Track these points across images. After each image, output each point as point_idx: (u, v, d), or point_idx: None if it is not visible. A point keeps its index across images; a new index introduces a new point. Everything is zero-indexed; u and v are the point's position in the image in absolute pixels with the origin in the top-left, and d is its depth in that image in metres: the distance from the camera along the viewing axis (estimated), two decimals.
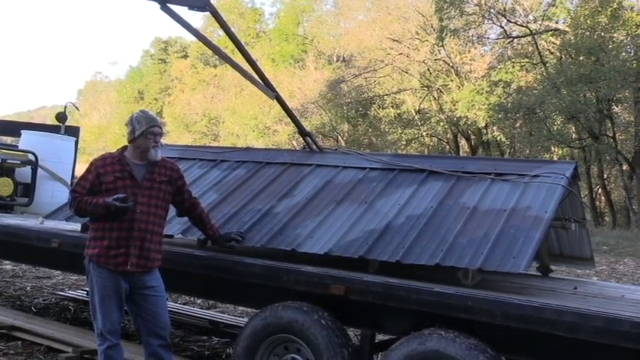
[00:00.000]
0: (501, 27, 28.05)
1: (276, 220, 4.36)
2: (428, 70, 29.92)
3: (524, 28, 27.02)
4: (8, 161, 6.91)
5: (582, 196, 5.22)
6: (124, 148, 3.91)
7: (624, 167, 25.25)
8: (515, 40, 27.91)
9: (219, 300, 6.35)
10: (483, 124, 27.55)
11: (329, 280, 3.65)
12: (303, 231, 4.16)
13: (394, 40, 30.38)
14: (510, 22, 27.51)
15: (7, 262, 8.67)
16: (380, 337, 4.08)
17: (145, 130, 3.76)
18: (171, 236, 4.78)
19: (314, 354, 3.63)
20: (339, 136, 33.61)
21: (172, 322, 6.15)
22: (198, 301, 7.40)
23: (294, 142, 29.82)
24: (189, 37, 53.32)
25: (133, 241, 3.66)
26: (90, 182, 3.75)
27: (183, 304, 7.16)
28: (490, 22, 28.21)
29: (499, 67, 27.49)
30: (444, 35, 27.57)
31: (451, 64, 29.08)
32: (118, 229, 3.65)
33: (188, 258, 4.23)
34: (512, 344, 3.32)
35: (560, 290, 4.07)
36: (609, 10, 23.90)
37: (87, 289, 7.48)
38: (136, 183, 3.75)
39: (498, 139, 29.00)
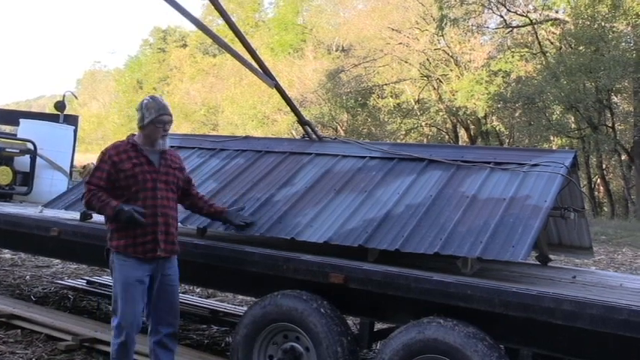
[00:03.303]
0: (501, 16, 27.99)
1: (275, 209, 4.35)
2: (427, 59, 29.85)
3: (524, 18, 26.95)
4: (7, 150, 6.90)
5: (581, 186, 5.22)
6: (132, 135, 3.89)
7: (623, 157, 25.29)
8: (515, 29, 27.84)
9: (219, 289, 6.37)
10: (482, 114, 27.55)
11: (328, 268, 3.66)
12: (302, 219, 4.16)
13: (394, 30, 30.29)
14: (510, 11, 27.44)
15: (7, 250, 8.68)
16: (379, 325, 4.08)
17: (154, 118, 3.75)
18: None
19: (313, 342, 3.64)
20: (338, 126, 33.57)
21: None
22: (197, 290, 7.42)
23: (294, 132, 29.78)
24: (189, 26, 53.16)
25: (159, 227, 3.67)
26: (107, 172, 3.70)
27: (183, 292, 7.16)
28: (490, 11, 28.14)
29: (499, 56, 27.45)
30: (443, 25, 27.48)
31: (451, 54, 29.02)
32: (144, 216, 3.63)
33: (187, 247, 4.23)
34: (510, 332, 3.33)
35: (558, 279, 4.08)
36: None
37: (87, 277, 7.53)
38: (155, 168, 3.77)
39: (497, 128, 29.00)
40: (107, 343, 4.75)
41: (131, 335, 3.64)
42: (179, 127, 41.72)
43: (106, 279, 7.37)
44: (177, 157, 4.05)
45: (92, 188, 3.69)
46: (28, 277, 7.77)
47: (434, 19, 28.68)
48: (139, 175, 3.69)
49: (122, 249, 3.64)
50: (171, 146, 5.55)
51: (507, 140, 29.12)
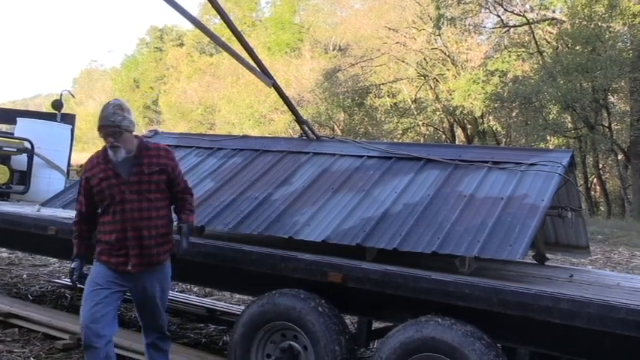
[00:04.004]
0: (498, 16, 28.01)
1: (273, 208, 4.36)
2: (424, 59, 29.84)
3: (521, 17, 26.98)
4: (4, 149, 6.88)
5: (578, 185, 5.23)
6: None
7: (619, 157, 25.33)
8: (512, 29, 27.85)
9: (216, 287, 6.37)
10: (479, 114, 27.55)
11: (327, 267, 3.66)
12: (300, 219, 4.16)
13: (391, 29, 30.27)
14: (507, 11, 27.46)
15: (4, 249, 8.66)
16: (376, 324, 4.09)
17: (98, 128, 3.54)
18: None
19: (311, 341, 3.64)
20: (335, 125, 33.54)
21: (169, 310, 6.20)
22: (195, 289, 7.41)
23: (291, 131, 29.75)
24: (186, 25, 53.13)
25: (130, 242, 3.48)
26: (84, 193, 3.62)
27: (180, 291, 7.17)
28: (487, 10, 28.16)
29: (495, 56, 27.46)
30: (440, 24, 27.51)
31: (448, 53, 29.01)
32: (115, 231, 3.51)
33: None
34: (508, 331, 3.33)
35: (556, 278, 4.09)
36: None
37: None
38: (122, 179, 3.52)
39: (494, 128, 29.02)
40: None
41: (89, 338, 3.40)
42: (176, 125, 41.72)
43: None
44: (163, 157, 3.67)
45: (75, 220, 3.69)
46: (25, 275, 7.75)
47: (431, 19, 28.69)
48: (106, 190, 3.51)
49: (97, 255, 3.58)
50: (168, 145, 5.59)
51: (504, 140, 29.15)
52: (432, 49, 29.53)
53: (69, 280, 3.68)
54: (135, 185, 3.52)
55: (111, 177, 3.52)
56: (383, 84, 31.23)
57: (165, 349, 3.79)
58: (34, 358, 4.57)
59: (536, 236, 3.79)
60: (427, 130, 32.05)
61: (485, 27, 29.62)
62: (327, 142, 5.23)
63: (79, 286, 3.69)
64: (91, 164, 3.62)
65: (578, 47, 23.86)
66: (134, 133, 3.63)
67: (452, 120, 30.46)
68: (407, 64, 30.19)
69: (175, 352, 4.60)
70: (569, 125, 25.40)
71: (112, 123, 3.47)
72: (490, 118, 28.56)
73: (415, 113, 30.88)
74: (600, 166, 26.48)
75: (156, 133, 6.09)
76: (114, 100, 3.63)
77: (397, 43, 30.05)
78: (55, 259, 8.38)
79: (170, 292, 6.87)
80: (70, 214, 5.14)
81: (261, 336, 3.85)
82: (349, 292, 3.66)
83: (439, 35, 28.58)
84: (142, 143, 3.64)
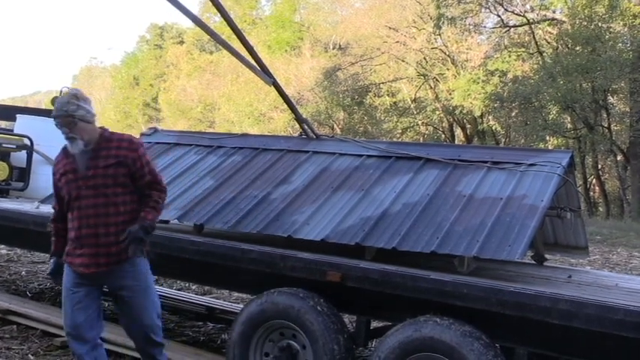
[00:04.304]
0: (498, 16, 28.00)
1: (272, 207, 4.36)
2: (424, 58, 29.82)
3: (521, 17, 26.96)
4: (3, 145, 6.87)
5: (577, 185, 5.24)
6: None
7: (619, 158, 25.33)
8: (512, 29, 27.84)
9: (215, 286, 6.37)
10: (479, 114, 27.54)
11: (326, 266, 3.66)
12: (299, 217, 4.16)
13: (391, 28, 30.24)
14: (507, 10, 27.44)
15: (2, 246, 8.66)
16: (375, 323, 4.09)
17: (52, 118, 3.36)
18: (167, 222, 4.78)
19: (309, 340, 3.65)
20: (335, 124, 33.51)
21: (168, 308, 6.19)
22: (194, 287, 7.41)
23: (290, 129, 29.74)
24: (186, 23, 52.99)
25: (85, 240, 3.31)
26: (55, 191, 3.50)
27: (179, 289, 7.17)
28: (487, 10, 28.14)
29: (495, 56, 27.45)
30: (441, 23, 27.49)
31: (448, 53, 28.99)
32: (73, 229, 3.37)
33: (184, 244, 4.23)
34: (506, 331, 3.34)
35: (554, 279, 4.09)
36: (607, 0, 23.86)
37: None
38: (78, 175, 3.34)
39: (494, 128, 29.01)
40: (103, 340, 4.75)
41: (73, 346, 3.38)
42: (176, 123, 41.68)
43: None
44: (124, 148, 3.40)
45: (52, 218, 3.60)
46: (23, 272, 7.75)
47: (431, 18, 28.66)
48: (65, 186, 3.37)
49: (64, 256, 3.45)
50: (168, 143, 5.58)
51: (503, 140, 29.14)
52: (432, 48, 29.51)
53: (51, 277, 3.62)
54: (91, 180, 3.32)
55: (69, 172, 3.38)
56: (383, 83, 31.22)
57: (153, 353, 3.55)
58: (32, 354, 4.57)
59: (535, 236, 3.79)
60: (426, 129, 32.05)
61: (485, 27, 29.63)
62: (326, 141, 5.22)
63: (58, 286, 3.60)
64: (58, 158, 3.49)
65: (578, 48, 23.86)
66: (96, 125, 3.43)
67: (451, 119, 30.45)
68: (407, 63, 30.17)
69: (174, 350, 4.60)
70: (569, 126, 25.39)
71: (65, 113, 3.28)
72: (489, 117, 28.55)
73: (415, 112, 30.87)
74: (599, 166, 26.49)
75: (155, 130, 6.08)
76: (70, 89, 3.45)
77: (397, 42, 30.02)
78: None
79: (168, 289, 6.94)
80: None
81: (260, 334, 3.85)
82: (348, 291, 3.66)
83: (439, 35, 28.57)
84: (103, 134, 3.43)
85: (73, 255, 3.38)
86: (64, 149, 3.44)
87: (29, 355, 4.55)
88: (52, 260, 3.58)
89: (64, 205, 3.45)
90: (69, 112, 3.28)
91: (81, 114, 3.30)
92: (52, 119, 3.35)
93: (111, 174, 3.34)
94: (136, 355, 4.54)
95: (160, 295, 6.51)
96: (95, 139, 3.38)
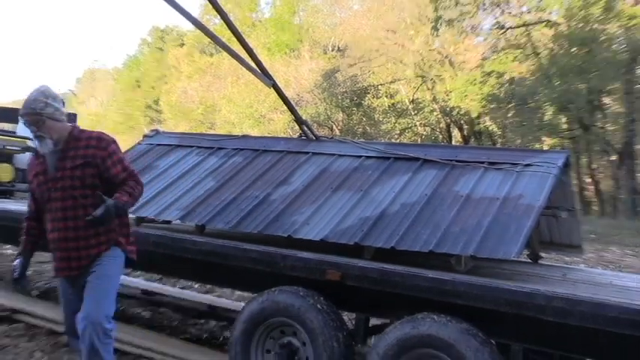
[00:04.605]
0: (495, 18, 27.99)
1: (272, 207, 4.37)
2: (422, 60, 29.78)
3: (517, 19, 26.96)
4: (7, 147, 6.90)
5: (572, 185, 5.25)
6: None
7: (613, 158, 25.34)
8: (509, 31, 27.83)
9: (217, 285, 6.37)
10: (476, 114, 27.56)
11: (325, 265, 3.68)
12: (299, 218, 4.18)
13: (389, 30, 30.23)
14: (505, 12, 27.45)
15: (9, 246, 8.64)
16: (374, 321, 4.11)
17: (20, 116, 3.21)
18: (169, 222, 4.80)
19: (309, 337, 3.66)
20: (334, 125, 33.47)
21: (171, 306, 6.21)
22: (196, 286, 7.42)
23: (290, 131, 29.72)
24: (187, 26, 52.96)
25: (57, 244, 3.22)
26: (31, 191, 3.37)
27: (182, 288, 7.17)
28: (484, 12, 28.13)
29: (492, 57, 27.41)
30: (438, 25, 27.45)
31: (445, 55, 28.97)
32: (48, 232, 3.27)
33: (186, 244, 4.25)
34: (502, 328, 3.36)
35: (549, 277, 4.11)
36: (603, 1, 23.85)
37: None
38: (47, 176, 3.20)
39: (490, 128, 29.03)
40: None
41: (70, 341, 3.42)
42: (177, 125, 41.63)
43: None
44: (92, 147, 3.21)
45: (25, 217, 3.46)
46: (30, 272, 7.73)
47: (429, 20, 28.62)
48: (37, 189, 3.25)
49: None
50: (169, 145, 5.59)
51: (500, 140, 29.14)
52: (430, 50, 29.48)
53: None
54: (59, 182, 3.17)
55: (40, 173, 3.23)
56: (381, 84, 31.22)
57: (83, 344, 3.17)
58: (40, 351, 4.58)
59: (531, 235, 3.81)
60: (424, 130, 32.03)
61: (482, 28, 29.58)
62: (325, 142, 5.24)
63: (17, 287, 3.44)
64: (33, 160, 3.34)
65: (573, 49, 23.85)
66: (66, 124, 3.26)
67: (449, 120, 30.44)
68: (405, 65, 30.14)
69: (177, 347, 4.63)
70: (564, 126, 25.41)
71: (33, 110, 3.13)
72: (486, 118, 28.54)
73: (412, 113, 30.86)
74: (594, 166, 26.50)
75: (157, 132, 6.10)
76: (41, 87, 3.25)
77: (395, 44, 30.01)
78: None
79: (171, 288, 6.94)
80: None
81: (261, 332, 3.87)
82: (347, 289, 3.68)
83: (437, 37, 28.54)
84: (72, 133, 3.25)
85: (53, 258, 3.29)
86: (36, 149, 3.30)
87: (36, 352, 4.56)
88: (17, 261, 3.40)
89: (38, 205, 3.34)
90: (36, 110, 3.13)
91: (49, 112, 3.15)
92: (20, 117, 3.23)
93: (78, 175, 3.16)
94: (139, 352, 4.57)
95: (160, 294, 6.56)
96: (64, 137, 3.21)
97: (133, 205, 3.37)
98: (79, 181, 3.15)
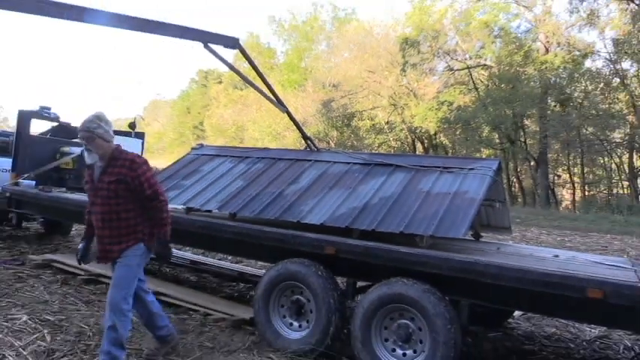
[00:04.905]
0: (446, 62, 27.97)
1: (285, 200, 4.34)
2: (394, 92, 29.76)
3: (462, 64, 26.96)
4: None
5: (503, 183, 5.22)
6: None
7: (532, 163, 25.35)
8: (456, 72, 27.81)
9: (245, 257, 6.34)
10: (433, 132, 27.57)
11: (324, 243, 3.65)
12: (305, 208, 4.15)
13: (369, 71, 30.21)
14: (453, 59, 27.43)
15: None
16: (360, 283, 4.07)
17: (78, 131, 3.04)
18: (210, 211, 4.75)
19: (312, 295, 3.64)
20: (330, 140, 33.44)
21: (211, 273, 6.17)
22: (229, 258, 7.39)
23: (298, 144, 29.67)
24: (224, 68, 52.86)
25: (98, 239, 3.09)
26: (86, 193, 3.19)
27: (219, 259, 7.15)
28: (439, 59, 28.12)
29: (445, 91, 27.42)
30: (405, 68, 27.45)
31: (411, 89, 28.96)
32: (94, 228, 3.13)
33: (222, 226, 4.21)
34: (454, 288, 3.32)
35: (487, 250, 4.08)
36: (522, 51, 23.91)
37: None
38: (93, 185, 3.06)
39: (444, 142, 29.01)
40: (166, 295, 4.73)
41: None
42: (216, 140, 41.62)
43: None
44: (126, 167, 3.00)
45: (87, 210, 3.20)
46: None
47: (399, 64, 28.62)
48: (87, 192, 3.11)
49: None
50: (210, 155, 5.55)
51: (451, 151, 29.11)
52: (400, 85, 29.45)
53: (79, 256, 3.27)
54: (99, 191, 3.01)
55: (88, 181, 3.10)
56: (364, 110, 31.18)
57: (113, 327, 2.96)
58: None
59: (474, 220, 3.78)
60: (396, 143, 31.99)
61: (437, 70, 29.56)
62: (324, 153, 5.21)
63: (82, 265, 3.29)
64: (86, 170, 3.16)
65: (502, 85, 23.89)
66: (113, 144, 3.09)
67: (414, 137, 30.41)
68: (381, 96, 30.13)
69: (216, 303, 4.60)
70: (497, 141, 25.40)
71: (87, 129, 2.99)
72: (441, 135, 28.54)
73: (387, 132, 30.83)
74: (518, 169, 26.49)
75: (202, 145, 6.05)
76: (97, 112, 3.10)
77: (374, 81, 30.00)
78: None
79: (211, 259, 6.90)
80: None
81: (277, 291, 3.84)
82: (340, 260, 3.65)
83: (404, 76, 28.53)
84: (114, 153, 3.06)
85: (97, 249, 3.13)
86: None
87: None
88: (80, 245, 3.26)
89: None
90: (90, 129, 2.99)
91: (99, 132, 2.99)
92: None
93: (113, 188, 2.98)
94: (189, 306, 4.53)
95: (203, 263, 6.53)
96: (108, 155, 3.05)
97: (170, 225, 3.12)
98: (113, 192, 2.98)
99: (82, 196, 5.90)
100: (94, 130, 2.99)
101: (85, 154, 3.03)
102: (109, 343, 2.92)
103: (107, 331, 2.94)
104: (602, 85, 22.29)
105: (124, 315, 2.97)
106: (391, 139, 31.24)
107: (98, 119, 3.04)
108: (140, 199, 3.02)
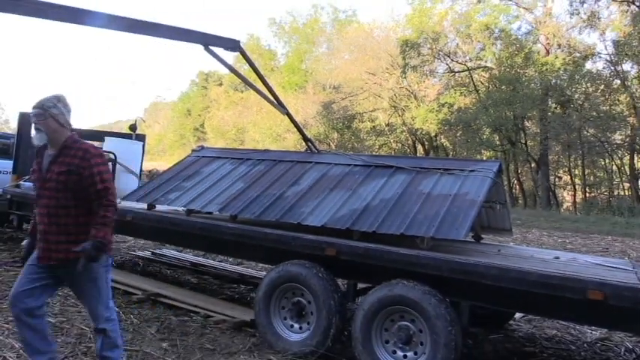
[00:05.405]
0: (447, 64, 27.98)
1: (286, 202, 4.34)
2: (395, 94, 29.79)
3: (463, 65, 26.97)
4: None
5: (504, 185, 5.23)
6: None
7: (532, 165, 25.33)
8: (457, 73, 27.83)
9: (246, 259, 6.33)
10: (434, 134, 27.57)
11: (325, 244, 3.65)
12: (306, 209, 4.14)
13: (370, 73, 30.24)
14: (453, 61, 27.44)
15: None
16: (360, 285, 4.07)
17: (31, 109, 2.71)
18: (210, 213, 4.76)
19: (313, 297, 3.64)
20: (331, 142, 33.44)
21: (212, 275, 6.17)
22: (230, 260, 7.39)
23: (299, 146, 29.66)
24: (224, 70, 52.95)
25: (41, 235, 2.70)
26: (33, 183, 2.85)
27: (220, 261, 7.15)
28: (439, 61, 28.13)
29: (445, 93, 27.44)
30: (406, 70, 27.46)
31: (411, 91, 28.98)
32: (37, 223, 2.77)
33: (223, 228, 4.22)
34: (454, 290, 3.33)
35: (488, 252, 4.08)
36: (523, 53, 23.92)
37: (152, 250, 7.47)
38: (41, 175, 2.71)
39: (444, 144, 28.99)
40: (167, 297, 4.74)
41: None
42: (216, 142, 41.66)
43: (166, 251, 7.35)
44: (78, 157, 2.66)
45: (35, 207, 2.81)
46: None
47: (399, 66, 28.65)
48: (33, 182, 2.77)
49: None
50: (210, 157, 5.56)
51: (451, 153, 29.11)
52: (400, 87, 29.48)
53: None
54: (47, 182, 2.67)
55: (36, 170, 2.76)
56: (365, 112, 31.20)
57: (102, 341, 2.79)
58: (117, 307, 4.52)
59: (474, 222, 3.78)
60: (396, 145, 32.00)
61: (437, 72, 29.57)
62: (325, 154, 5.21)
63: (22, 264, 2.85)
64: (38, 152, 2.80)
65: (503, 87, 23.89)
66: (68, 132, 2.73)
67: (414, 138, 30.41)
68: (382, 98, 30.15)
69: (216, 305, 4.60)
70: (497, 142, 25.40)
71: (41, 106, 2.68)
72: (441, 137, 28.54)
73: (388, 134, 30.83)
74: (519, 171, 26.47)
75: (202, 147, 6.06)
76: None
77: (375, 83, 30.03)
78: (131, 238, 8.36)
79: (212, 260, 6.91)
80: (142, 205, 5.13)
81: (278, 293, 3.84)
82: (341, 262, 3.65)
83: (405, 78, 28.55)
84: (67, 142, 2.71)
85: (37, 247, 2.75)
86: (39, 149, 2.78)
87: (115, 308, 4.52)
88: (24, 242, 2.93)
89: None
90: (44, 106, 2.68)
91: (53, 112, 2.68)
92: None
93: (63, 180, 2.64)
94: (189, 307, 4.53)
95: (204, 265, 6.54)
96: (60, 143, 2.70)
97: (111, 234, 2.71)
98: (63, 184, 2.63)
99: None
100: (48, 109, 2.68)
101: (34, 133, 2.72)
102: (105, 348, 2.79)
103: (99, 337, 2.79)
104: (602, 86, 22.28)
105: (112, 317, 2.83)
106: (392, 140, 31.24)
107: (56, 99, 2.73)
108: (89, 195, 2.65)
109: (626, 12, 22.00)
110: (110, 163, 6.89)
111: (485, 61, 26.44)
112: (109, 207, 2.66)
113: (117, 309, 4.42)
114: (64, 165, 2.65)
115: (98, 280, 2.72)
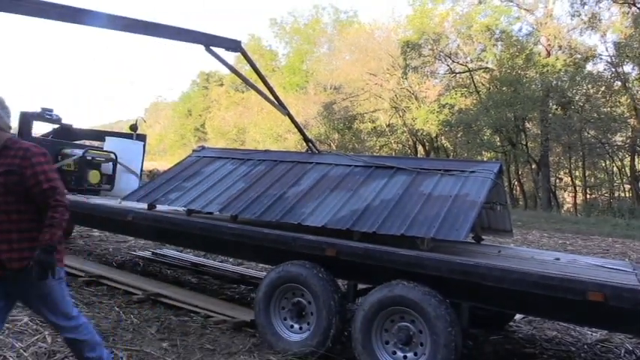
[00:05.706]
0: (448, 65, 27.98)
1: (286, 202, 4.34)
2: (395, 95, 29.79)
3: (464, 66, 26.97)
4: (96, 158, 6.88)
5: (504, 186, 5.23)
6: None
7: (533, 166, 25.31)
8: (458, 74, 27.83)
9: (246, 259, 6.33)
10: (434, 135, 27.55)
11: (325, 245, 3.65)
12: (306, 210, 4.14)
13: (371, 74, 30.24)
14: (454, 62, 27.44)
15: (96, 230, 8.64)
16: (361, 285, 4.07)
17: None
18: (211, 213, 4.76)
19: (313, 297, 3.64)
20: (332, 143, 33.45)
21: (212, 275, 6.17)
22: (230, 260, 7.39)
23: (300, 146, 29.66)
24: (225, 71, 52.96)
25: None
26: None
27: (220, 261, 7.15)
28: (440, 61, 28.13)
29: (446, 94, 27.43)
30: (407, 71, 27.47)
31: (412, 92, 28.97)
32: None
33: (223, 229, 4.22)
34: (454, 291, 3.32)
35: (489, 253, 4.08)
36: (524, 54, 23.91)
37: (152, 250, 7.48)
38: None
39: (445, 145, 28.98)
40: (167, 297, 4.74)
41: None
42: (217, 142, 41.67)
43: (167, 251, 7.35)
44: (20, 157, 2.45)
45: None
46: (111, 249, 7.73)
47: (400, 67, 28.65)
48: None
49: None
50: (211, 157, 5.56)
51: (452, 154, 29.10)
52: (401, 88, 29.47)
53: None
54: None
55: None
56: (365, 113, 31.20)
57: (73, 345, 2.63)
58: (117, 307, 4.56)
59: (475, 223, 3.78)
60: (397, 146, 32.00)
61: (438, 73, 29.57)
62: (325, 155, 5.21)
63: None
64: None
65: (504, 88, 23.88)
66: (7, 133, 2.54)
67: (415, 139, 30.40)
68: (383, 99, 30.15)
69: (216, 305, 4.60)
70: (498, 144, 25.39)
71: None
72: (442, 138, 28.53)
73: (388, 134, 30.84)
74: (519, 172, 26.46)
75: (203, 148, 6.06)
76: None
77: (376, 84, 30.03)
78: (131, 238, 8.36)
79: (213, 261, 6.91)
80: (143, 205, 5.13)
81: (278, 294, 3.84)
82: (341, 262, 3.65)
83: (406, 79, 28.55)
84: (6, 143, 2.50)
85: None
86: None
87: (115, 308, 4.54)
88: None
89: None
90: None
91: None
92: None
93: (2, 182, 2.42)
94: (189, 307, 4.53)
95: (204, 265, 6.54)
96: (0, 144, 2.50)
97: (60, 235, 2.46)
98: (3, 187, 2.41)
99: (83, 198, 5.92)
100: None
101: None
102: (85, 350, 2.61)
103: (74, 345, 2.62)
104: (603, 88, 22.28)
105: (78, 324, 2.61)
106: (392, 141, 31.24)
107: None
108: (34, 197, 2.44)
109: (627, 14, 22.00)
110: (111, 163, 6.93)
111: (486, 63, 26.44)
112: (57, 207, 2.44)
113: (117, 309, 4.46)
114: (4, 166, 2.43)
115: (50, 296, 2.50)
